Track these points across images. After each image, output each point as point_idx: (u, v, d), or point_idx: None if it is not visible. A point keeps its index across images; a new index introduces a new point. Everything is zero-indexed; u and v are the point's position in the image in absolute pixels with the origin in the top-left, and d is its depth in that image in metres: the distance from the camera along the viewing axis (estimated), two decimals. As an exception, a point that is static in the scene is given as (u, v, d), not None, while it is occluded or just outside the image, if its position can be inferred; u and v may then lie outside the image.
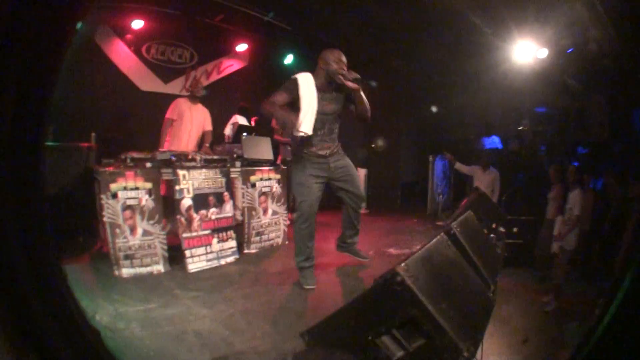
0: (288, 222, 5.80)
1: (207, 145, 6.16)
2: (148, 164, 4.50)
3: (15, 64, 1.28)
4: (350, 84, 3.79)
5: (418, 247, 4.58)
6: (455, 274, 2.47)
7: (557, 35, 6.52)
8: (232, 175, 5.20)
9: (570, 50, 6.97)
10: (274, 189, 5.65)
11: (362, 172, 8.63)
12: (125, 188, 4.22)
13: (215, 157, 5.13)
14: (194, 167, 4.74)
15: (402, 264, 1.98)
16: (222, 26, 8.58)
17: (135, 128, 7.33)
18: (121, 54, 7.56)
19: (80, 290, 3.52)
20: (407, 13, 7.16)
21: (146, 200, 4.32)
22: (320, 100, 3.92)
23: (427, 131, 11.12)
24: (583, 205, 5.22)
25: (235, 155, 5.43)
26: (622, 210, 5.32)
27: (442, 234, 2.68)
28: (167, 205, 4.58)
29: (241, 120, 7.30)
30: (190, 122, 6.03)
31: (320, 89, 3.94)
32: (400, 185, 10.50)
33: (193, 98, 6.11)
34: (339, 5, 7.35)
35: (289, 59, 9.65)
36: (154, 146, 5.60)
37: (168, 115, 5.98)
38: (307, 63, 8.11)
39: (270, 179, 5.60)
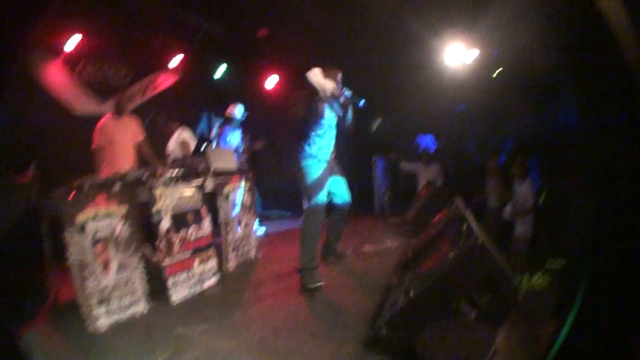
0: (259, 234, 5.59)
1: (150, 157, 5.76)
2: (116, 186, 3.88)
3: None
4: (343, 100, 4.27)
5: (389, 242, 5.93)
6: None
7: (486, 37, 6.79)
8: (207, 190, 4.75)
9: (496, 53, 7.31)
10: (245, 199, 5.33)
11: None
12: (95, 217, 3.54)
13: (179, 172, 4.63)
14: (170, 184, 4.25)
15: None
16: (156, 41, 8.10)
17: (74, 154, 6.55)
18: (55, 76, 6.78)
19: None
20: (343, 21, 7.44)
21: (121, 229, 3.71)
22: (324, 108, 4.39)
23: (364, 131, 11.04)
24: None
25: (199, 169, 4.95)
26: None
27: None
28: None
29: (185, 134, 6.85)
30: (122, 141, 5.52)
31: (326, 100, 4.37)
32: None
33: (119, 112, 5.57)
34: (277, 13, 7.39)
35: (221, 71, 9.39)
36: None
37: (96, 144, 5.43)
38: (239, 74, 9.03)
39: (240, 187, 5.34)
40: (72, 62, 6.99)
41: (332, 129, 4.55)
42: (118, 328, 3.46)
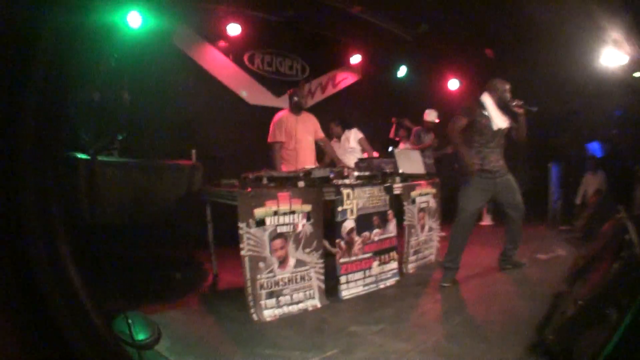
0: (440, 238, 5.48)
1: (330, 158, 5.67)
2: (301, 183, 3.80)
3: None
4: (518, 109, 4.35)
5: (560, 250, 5.88)
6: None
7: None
8: (395, 192, 4.58)
9: None
10: (430, 204, 5.19)
11: None
12: (276, 213, 3.49)
13: (371, 173, 4.55)
14: (359, 185, 4.15)
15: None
16: (334, 37, 8.07)
17: (244, 145, 6.54)
18: (217, 63, 6.89)
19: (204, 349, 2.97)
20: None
21: (303, 226, 3.64)
22: (494, 118, 4.41)
23: (536, 138, 10.28)
24: None
25: (387, 171, 4.77)
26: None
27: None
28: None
29: (360, 134, 6.55)
30: (303, 137, 5.29)
31: (494, 109, 4.45)
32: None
33: (297, 109, 5.34)
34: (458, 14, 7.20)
35: (402, 72, 9.16)
36: (268, 164, 5.05)
37: (273, 138, 5.23)
38: (420, 76, 9.07)
39: (428, 193, 5.17)
40: (238, 50, 7.09)
41: (498, 138, 4.52)
42: (287, 320, 3.46)
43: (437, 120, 7.21)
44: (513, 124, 4.51)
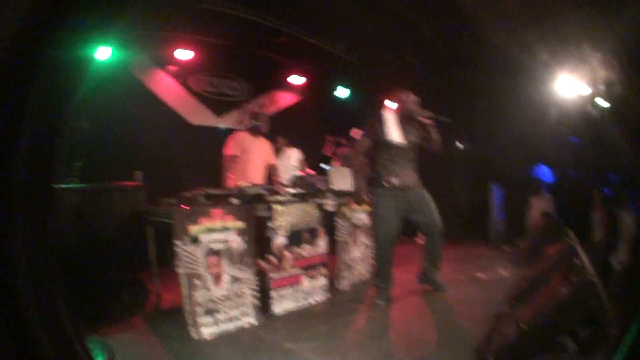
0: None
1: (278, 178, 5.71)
2: (234, 200, 3.87)
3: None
4: (425, 120, 4.31)
5: (502, 271, 5.67)
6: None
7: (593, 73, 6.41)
8: (328, 209, 4.69)
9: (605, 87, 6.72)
10: (365, 221, 5.17)
11: None
12: (209, 230, 3.52)
13: (301, 191, 4.62)
14: (291, 202, 4.24)
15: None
16: (277, 58, 8.20)
17: (184, 165, 6.65)
18: (165, 86, 7.01)
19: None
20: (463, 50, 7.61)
21: (237, 243, 3.67)
22: (394, 133, 4.32)
23: (478, 158, 10.61)
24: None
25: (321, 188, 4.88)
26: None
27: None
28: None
29: (299, 154, 6.83)
30: (257, 157, 5.52)
31: (397, 124, 4.37)
32: (457, 213, 9.93)
33: (256, 132, 5.55)
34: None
35: (343, 93, 9.49)
36: (210, 183, 4.92)
37: (230, 151, 5.44)
38: (362, 97, 9.33)
39: (363, 211, 5.15)
40: (185, 74, 7.22)
41: (406, 153, 4.41)
42: (224, 338, 3.42)
43: None
44: (424, 136, 4.42)
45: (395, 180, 4.27)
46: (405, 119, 4.34)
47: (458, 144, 10.30)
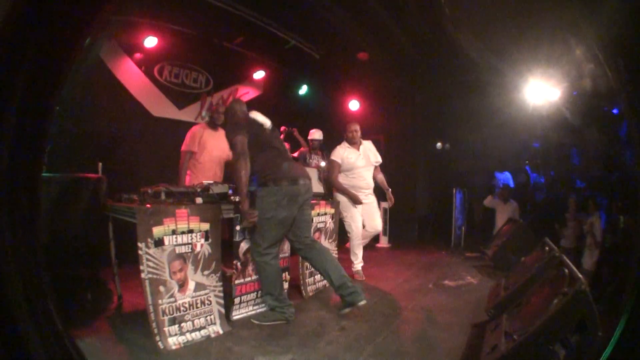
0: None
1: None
2: (199, 200, 3.59)
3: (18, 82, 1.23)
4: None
5: (469, 277, 5.86)
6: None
7: (565, 77, 6.67)
8: None
9: (575, 93, 7.11)
10: (328, 225, 5.09)
11: None
12: (174, 232, 3.25)
13: None
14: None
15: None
16: (240, 51, 8.05)
17: (144, 158, 6.38)
18: (131, 74, 6.65)
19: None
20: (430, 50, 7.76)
21: (202, 246, 3.43)
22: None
23: (440, 164, 10.83)
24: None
25: None
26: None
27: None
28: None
29: None
30: (215, 152, 5.31)
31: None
32: (417, 218, 10.09)
33: (213, 125, 5.37)
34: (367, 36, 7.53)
35: (303, 90, 9.56)
36: (169, 179, 4.90)
37: (186, 147, 5.27)
38: (321, 95, 9.66)
39: (325, 213, 5.04)
40: (150, 62, 6.93)
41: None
42: (192, 348, 3.21)
43: (321, 139, 7.17)
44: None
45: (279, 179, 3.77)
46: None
47: (439, 144, 10.62)
